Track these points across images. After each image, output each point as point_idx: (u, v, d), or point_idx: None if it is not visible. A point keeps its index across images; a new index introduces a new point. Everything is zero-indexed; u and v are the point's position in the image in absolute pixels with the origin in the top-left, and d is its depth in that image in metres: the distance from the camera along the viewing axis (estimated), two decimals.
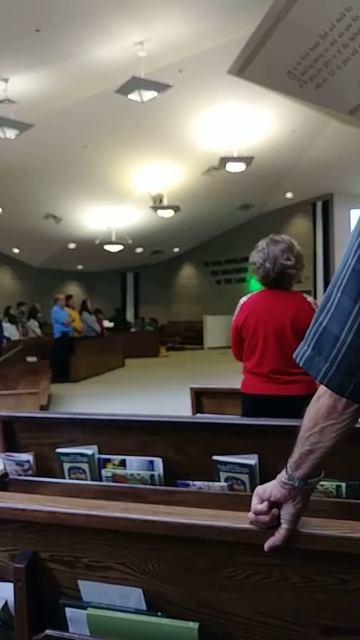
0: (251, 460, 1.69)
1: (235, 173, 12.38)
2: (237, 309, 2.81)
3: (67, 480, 1.85)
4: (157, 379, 10.67)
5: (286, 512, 0.99)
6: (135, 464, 1.80)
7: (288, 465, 0.97)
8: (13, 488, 1.79)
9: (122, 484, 1.76)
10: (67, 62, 8.62)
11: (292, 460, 0.97)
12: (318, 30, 1.05)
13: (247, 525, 1.04)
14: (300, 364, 0.91)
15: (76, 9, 7.28)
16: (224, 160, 11.69)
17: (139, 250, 19.51)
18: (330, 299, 0.87)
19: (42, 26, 7.55)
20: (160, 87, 8.58)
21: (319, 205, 16.78)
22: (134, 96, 8.69)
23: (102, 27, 7.83)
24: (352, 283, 0.84)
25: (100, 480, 1.82)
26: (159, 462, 1.78)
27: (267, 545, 1.01)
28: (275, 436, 1.66)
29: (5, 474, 1.88)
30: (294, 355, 0.94)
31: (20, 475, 1.89)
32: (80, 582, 1.20)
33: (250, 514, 1.02)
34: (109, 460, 1.83)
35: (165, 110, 10.25)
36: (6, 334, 11.67)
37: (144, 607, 1.16)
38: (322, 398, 0.91)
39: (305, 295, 2.80)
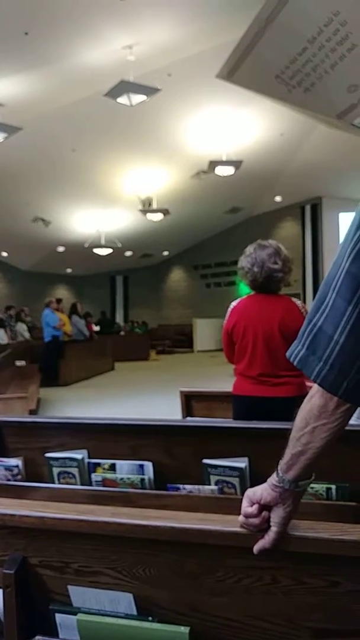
0: (241, 463, 1.69)
1: (225, 176, 12.42)
2: (228, 313, 2.85)
3: (56, 485, 1.84)
4: (147, 382, 10.64)
5: (276, 515, 0.99)
6: (125, 468, 1.80)
7: (279, 467, 0.98)
8: (2, 493, 1.77)
9: (112, 488, 1.75)
10: (56, 65, 8.60)
11: (283, 462, 0.97)
12: (306, 35, 1.05)
13: (237, 529, 1.04)
14: (295, 363, 0.92)
15: (65, 13, 7.27)
16: (213, 164, 11.72)
17: (128, 253, 19.49)
18: (325, 300, 0.88)
19: (31, 29, 7.54)
20: (149, 90, 8.59)
21: (308, 208, 16.87)
22: (122, 100, 8.69)
23: (92, 31, 7.83)
24: (346, 285, 0.85)
25: (90, 484, 1.81)
26: (149, 466, 1.78)
27: (256, 547, 1.01)
28: (266, 439, 1.67)
29: None
30: (287, 354, 0.94)
31: (9, 480, 1.88)
32: (70, 588, 1.19)
33: (241, 517, 1.02)
34: (98, 464, 1.83)
35: (154, 114, 10.27)
36: None
37: (135, 612, 1.15)
38: (314, 398, 0.91)
39: (293, 299, 2.83)
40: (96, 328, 15.77)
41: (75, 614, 1.17)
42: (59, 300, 11.60)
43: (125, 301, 22.98)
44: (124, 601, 1.15)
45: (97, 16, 7.44)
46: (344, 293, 0.85)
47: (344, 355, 0.86)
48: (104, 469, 1.81)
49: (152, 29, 8.04)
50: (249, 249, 2.81)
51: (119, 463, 1.81)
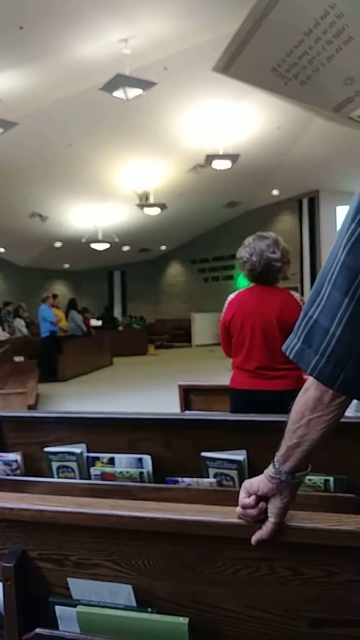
0: (239, 456, 1.70)
1: (221, 170, 12.39)
2: (225, 305, 2.85)
3: (55, 479, 1.84)
4: (145, 377, 10.65)
5: (273, 506, 0.99)
6: (124, 462, 1.80)
7: (275, 459, 0.98)
8: (1, 488, 1.78)
9: (111, 482, 1.76)
10: (51, 59, 8.56)
11: (279, 454, 0.97)
12: (302, 27, 1.05)
13: (235, 520, 1.04)
14: (291, 357, 0.92)
15: (61, 7, 7.22)
16: (210, 158, 11.69)
17: (125, 248, 19.46)
18: (320, 293, 0.88)
19: (26, 23, 7.49)
20: (145, 84, 8.55)
21: (305, 202, 16.85)
22: (118, 94, 8.65)
23: (87, 25, 7.79)
24: (342, 277, 0.85)
25: (89, 478, 1.82)
26: (147, 459, 1.79)
27: (254, 538, 1.01)
28: (264, 432, 1.67)
29: None
30: (283, 347, 0.94)
31: (8, 475, 1.88)
32: (70, 580, 1.20)
33: (238, 509, 1.03)
34: (97, 458, 1.83)
35: (151, 107, 10.22)
36: None
37: (134, 604, 1.16)
38: (309, 390, 0.92)
39: (292, 292, 2.83)
40: (98, 323, 15.76)
41: (75, 606, 1.18)
42: (54, 296, 11.58)
43: (123, 296, 22.97)
44: (124, 593, 1.16)
45: (92, 9, 7.40)
46: (340, 285, 0.85)
47: (340, 348, 0.86)
48: (102, 462, 1.82)
49: (148, 22, 8.00)
50: (248, 240, 2.83)
51: (117, 457, 1.81)
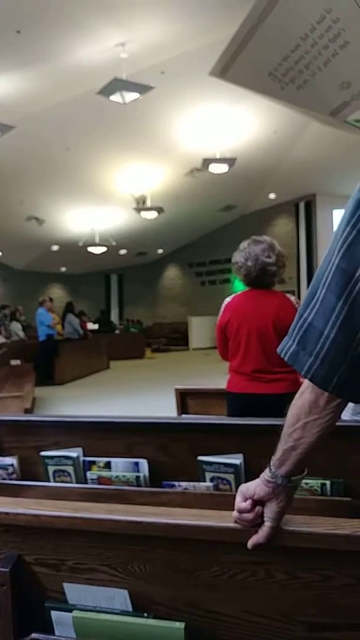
0: (236, 459, 1.69)
1: (218, 174, 12.42)
2: (222, 309, 2.85)
3: (51, 484, 1.84)
4: (142, 380, 10.64)
5: (270, 510, 0.99)
6: (120, 466, 1.80)
7: (271, 463, 0.98)
8: None
9: (107, 486, 1.75)
10: (49, 63, 8.57)
11: (275, 458, 0.97)
12: (299, 32, 1.06)
13: (231, 524, 1.04)
14: (285, 359, 0.92)
15: (58, 11, 7.24)
16: (207, 162, 11.72)
17: (122, 251, 19.47)
18: (315, 296, 0.89)
19: (23, 27, 7.50)
20: (142, 88, 8.58)
21: (302, 205, 16.90)
22: (115, 97, 8.67)
23: (84, 29, 7.81)
24: (336, 280, 0.86)
25: (86, 482, 1.81)
26: (144, 463, 1.78)
27: (250, 542, 1.01)
28: (260, 435, 1.67)
29: None
30: (278, 350, 0.94)
31: (4, 479, 1.88)
32: (66, 585, 1.19)
33: (234, 513, 1.03)
34: (94, 462, 1.83)
35: (148, 111, 10.24)
36: None
37: (130, 609, 1.15)
38: (305, 393, 0.92)
39: (288, 294, 2.84)
40: (94, 326, 15.73)
41: (70, 611, 1.17)
42: (51, 299, 11.56)
43: (120, 299, 22.96)
44: (120, 598, 1.15)
45: (89, 13, 7.42)
46: (334, 288, 0.86)
47: (334, 350, 0.86)
48: (99, 467, 1.82)
49: (145, 26, 8.02)
50: (243, 244, 2.83)
51: (114, 461, 1.81)
